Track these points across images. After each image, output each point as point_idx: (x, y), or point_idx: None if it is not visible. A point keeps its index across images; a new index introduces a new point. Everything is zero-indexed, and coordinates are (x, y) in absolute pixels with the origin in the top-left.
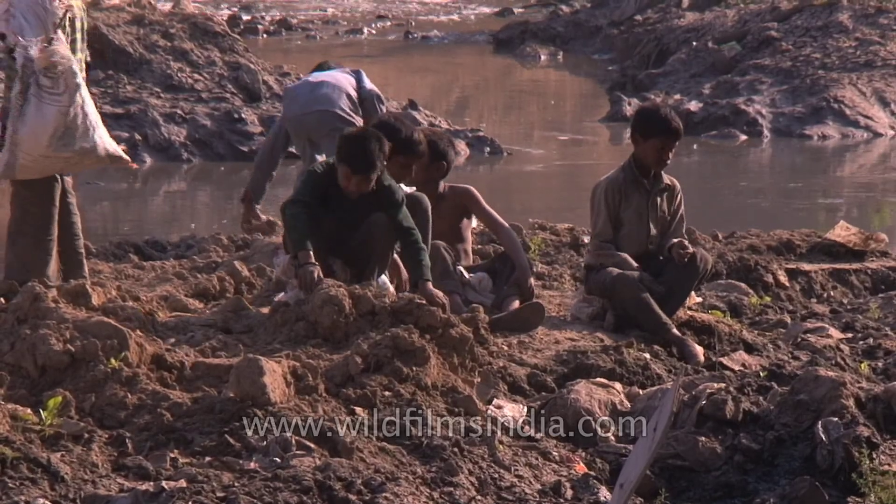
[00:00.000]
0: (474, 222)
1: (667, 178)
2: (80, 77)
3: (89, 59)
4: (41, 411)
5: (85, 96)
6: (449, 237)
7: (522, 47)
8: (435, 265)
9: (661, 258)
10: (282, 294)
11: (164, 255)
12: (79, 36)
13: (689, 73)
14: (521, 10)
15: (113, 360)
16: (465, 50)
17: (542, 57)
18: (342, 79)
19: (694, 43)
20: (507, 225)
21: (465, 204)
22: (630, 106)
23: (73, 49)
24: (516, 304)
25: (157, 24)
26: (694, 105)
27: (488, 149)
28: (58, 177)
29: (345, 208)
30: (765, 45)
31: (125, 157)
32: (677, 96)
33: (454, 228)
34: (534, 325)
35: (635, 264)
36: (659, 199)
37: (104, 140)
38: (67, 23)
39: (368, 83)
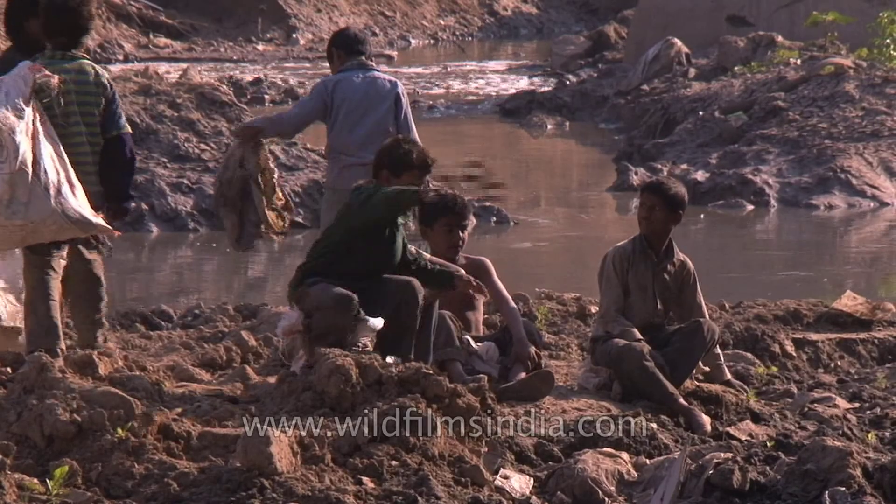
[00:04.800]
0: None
1: (680, 256)
2: (24, 142)
3: (123, 132)
4: (48, 481)
5: (44, 163)
6: (461, 306)
7: (529, 117)
8: (440, 333)
9: (668, 329)
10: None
11: (170, 325)
12: (76, 108)
13: (696, 143)
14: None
15: (119, 430)
16: (471, 119)
17: (549, 126)
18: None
19: (700, 113)
20: (510, 299)
21: (478, 274)
22: (637, 176)
23: (67, 122)
24: (522, 373)
25: (163, 93)
26: (701, 175)
27: (494, 218)
28: (58, 246)
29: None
30: (771, 115)
31: (102, 223)
32: (684, 166)
33: (467, 297)
34: (543, 393)
35: (639, 336)
36: (665, 274)
37: (73, 207)
38: (58, 95)
39: None
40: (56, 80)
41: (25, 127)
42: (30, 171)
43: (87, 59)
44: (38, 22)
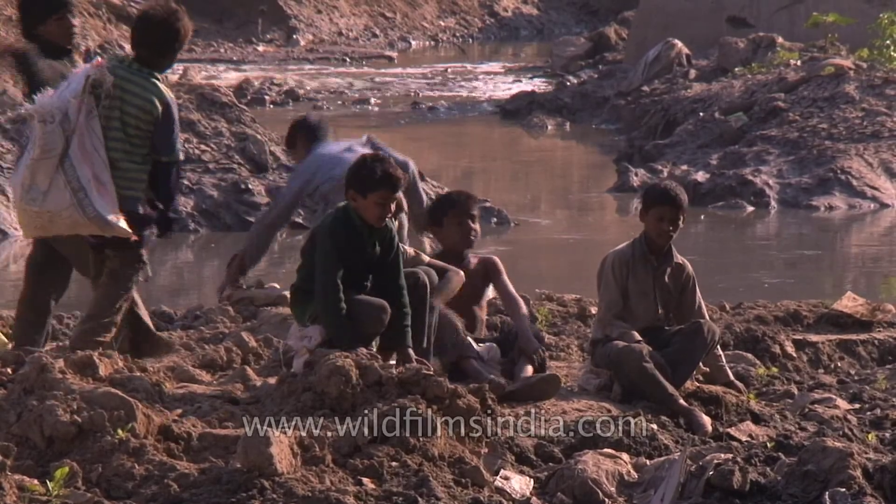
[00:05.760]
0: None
1: (678, 259)
2: (57, 133)
3: (173, 158)
4: (48, 482)
5: (73, 158)
6: (470, 304)
7: (529, 118)
8: (447, 333)
9: (668, 330)
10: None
11: (171, 326)
12: (118, 115)
13: (697, 144)
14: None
15: (120, 431)
16: (472, 120)
17: (550, 127)
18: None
19: (701, 114)
20: (519, 298)
21: (488, 273)
22: (637, 176)
23: (107, 124)
24: (529, 370)
25: None
26: (701, 176)
27: (495, 219)
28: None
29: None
30: (772, 116)
31: (121, 226)
32: (684, 167)
33: (476, 297)
34: (549, 395)
35: (639, 337)
36: (666, 278)
37: (92, 204)
38: (106, 97)
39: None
40: (111, 80)
41: (63, 118)
42: (55, 161)
43: (157, 79)
44: (54, 23)
